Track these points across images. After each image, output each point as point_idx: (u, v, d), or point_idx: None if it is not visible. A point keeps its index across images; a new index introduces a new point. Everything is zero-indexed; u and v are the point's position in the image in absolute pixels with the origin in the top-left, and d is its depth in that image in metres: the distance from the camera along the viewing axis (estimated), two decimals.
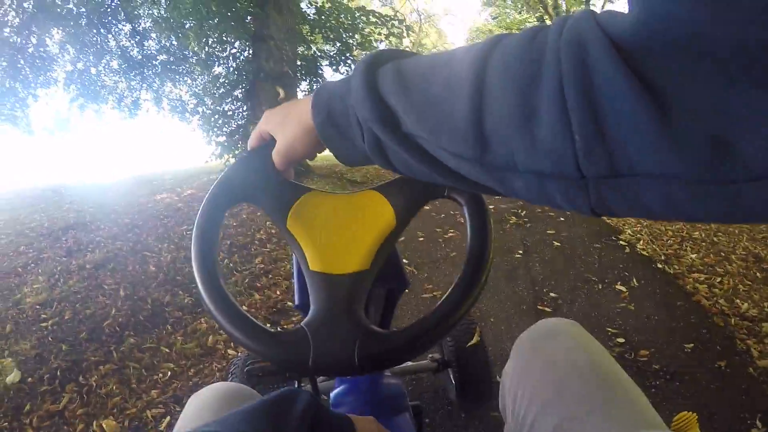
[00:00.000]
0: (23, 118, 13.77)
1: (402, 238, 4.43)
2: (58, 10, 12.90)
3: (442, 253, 4.96)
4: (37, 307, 3.89)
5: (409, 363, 1.51)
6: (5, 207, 9.74)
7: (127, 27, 14.32)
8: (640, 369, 2.65)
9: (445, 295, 0.69)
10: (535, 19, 28.04)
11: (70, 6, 13.23)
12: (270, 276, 4.43)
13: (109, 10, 13.58)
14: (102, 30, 13.85)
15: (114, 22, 13.99)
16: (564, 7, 24.29)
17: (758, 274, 4.31)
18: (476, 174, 0.46)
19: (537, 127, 0.37)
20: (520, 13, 32.18)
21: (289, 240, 0.74)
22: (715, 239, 5.56)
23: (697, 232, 5.85)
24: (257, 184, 0.76)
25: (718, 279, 4.13)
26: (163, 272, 4.50)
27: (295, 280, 0.84)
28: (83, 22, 13.26)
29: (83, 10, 13.11)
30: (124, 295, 3.95)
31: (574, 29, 0.36)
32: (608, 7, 19.31)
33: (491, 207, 7.67)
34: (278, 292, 4.01)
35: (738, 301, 3.64)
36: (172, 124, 13.95)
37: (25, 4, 12.67)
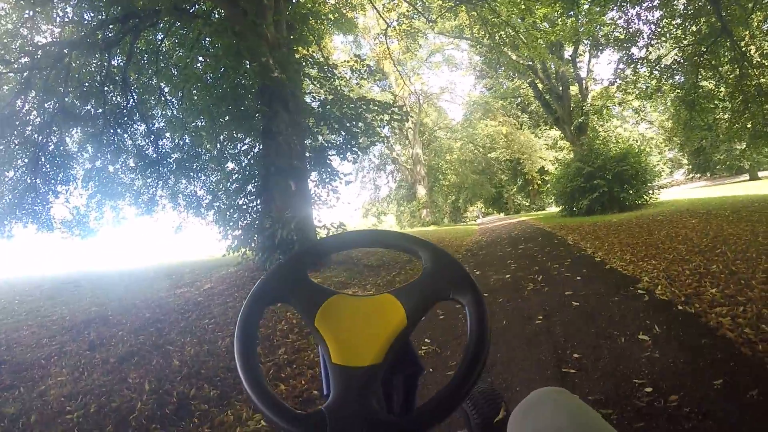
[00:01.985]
0: (43, 213, 14.17)
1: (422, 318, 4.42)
2: (77, 111, 13.69)
3: (463, 329, 4.90)
4: (62, 399, 3.84)
5: None
6: (26, 299, 9.80)
7: (142, 127, 15.10)
8: (671, 415, 2.58)
9: (446, 385, 0.74)
10: (527, 85, 28.76)
11: (89, 107, 14.06)
12: (294, 366, 4.40)
13: (125, 111, 14.37)
14: (118, 130, 14.57)
15: (129, 122, 14.77)
16: (553, 70, 24.93)
17: None
18: None
19: None
20: (512, 81, 33.03)
21: (315, 336, 0.82)
22: (733, 268, 5.51)
23: (715, 265, 5.80)
24: (291, 288, 0.88)
25: (741, 308, 4.07)
26: (187, 366, 4.46)
27: (322, 371, 0.89)
28: (101, 123, 13.95)
29: (100, 111, 13.86)
30: (149, 389, 3.89)
31: None
32: (593, 65, 19.54)
33: (507, 275, 7.67)
34: (303, 382, 3.97)
35: (763, 326, 3.57)
36: (188, 219, 14.03)
37: (47, 105, 13.41)
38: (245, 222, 11.52)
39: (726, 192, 20.05)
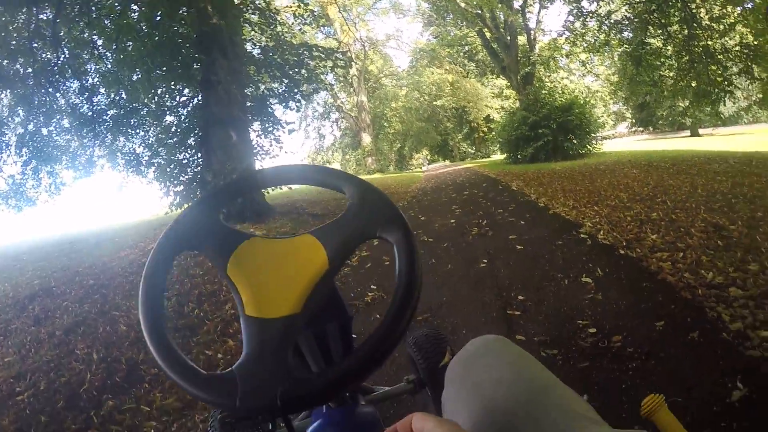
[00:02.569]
0: None
1: (368, 265, 4.34)
2: (5, 72, 12.81)
3: None
4: (11, 380, 3.68)
5: (385, 387, 1.46)
6: None
7: (75, 84, 14.02)
8: (615, 354, 2.61)
9: (369, 335, 0.68)
10: (474, 33, 28.54)
11: (17, 67, 13.15)
12: None
13: (56, 68, 13.31)
14: (50, 89, 13.59)
15: (62, 80, 13.70)
16: (502, 19, 24.75)
17: (719, 242, 4.34)
18: None
19: None
20: (460, 29, 32.76)
21: (230, 286, 0.76)
22: (673, 216, 5.61)
23: (655, 213, 5.91)
24: (200, 233, 0.81)
25: (681, 254, 4.14)
26: (134, 330, 4.32)
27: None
28: (31, 83, 13.03)
29: (30, 70, 12.92)
30: (98, 358, 3.76)
31: None
32: (543, 15, 19.50)
33: (452, 221, 7.68)
34: None
35: (703, 271, 3.64)
36: (129, 178, 13.56)
37: None
38: (186, 177, 11.23)
39: (667, 146, 20.59)
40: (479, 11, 24.05)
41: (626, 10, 16.59)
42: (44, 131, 13.99)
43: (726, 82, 14.28)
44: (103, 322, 4.75)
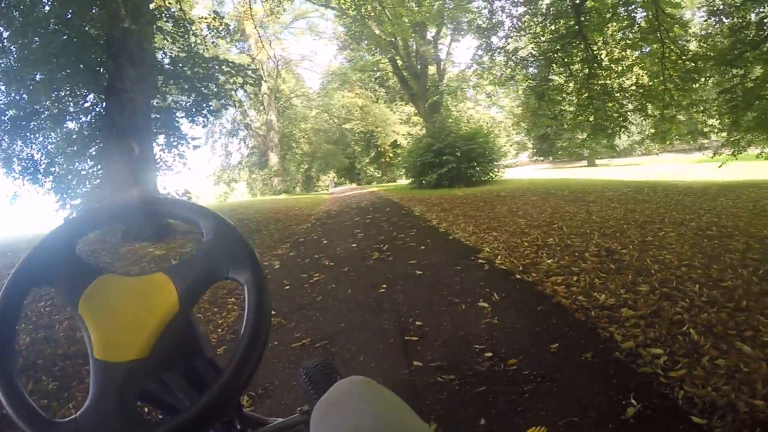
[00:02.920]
0: None
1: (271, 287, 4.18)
2: None
3: (308, 299, 4.74)
4: None
5: (279, 419, 1.36)
6: None
7: None
8: (510, 378, 2.58)
9: (212, 384, 0.64)
10: (386, 60, 28.92)
11: None
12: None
13: None
14: None
15: None
16: (414, 48, 25.21)
17: (611, 265, 4.47)
18: None
19: None
20: (373, 55, 33.13)
21: (80, 325, 0.70)
22: (568, 241, 5.76)
23: (552, 238, 6.05)
24: (54, 266, 0.75)
25: (575, 278, 4.23)
26: (22, 356, 3.92)
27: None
28: None
29: None
30: None
31: None
32: (453, 48, 20.01)
33: (354, 244, 7.60)
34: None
35: (595, 294, 3.74)
36: (24, 187, 12.70)
37: None
38: (85, 189, 10.61)
39: (565, 175, 21.54)
40: (393, 39, 24.49)
41: (532, 48, 17.26)
42: None
43: (621, 118, 15.07)
44: None
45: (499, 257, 5.41)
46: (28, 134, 12.58)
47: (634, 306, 3.40)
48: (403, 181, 29.95)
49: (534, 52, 17.01)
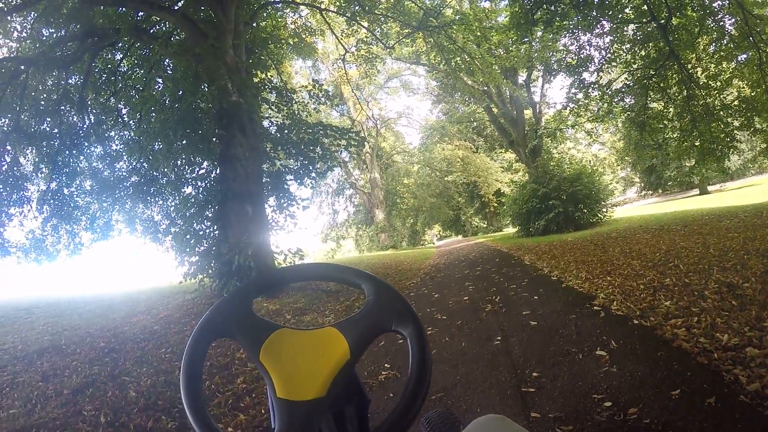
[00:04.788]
0: None
1: (382, 343, 4.31)
2: (33, 130, 13.24)
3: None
4: None
5: None
6: None
7: (99, 149, 14.65)
8: (631, 428, 2.56)
9: (383, 421, 0.76)
10: (482, 109, 29.10)
11: (44, 126, 13.62)
12: (254, 395, 4.25)
13: (81, 132, 13.90)
14: (74, 151, 14.08)
15: (86, 143, 14.27)
16: (508, 94, 25.29)
17: (734, 302, 4.31)
18: None
19: None
20: (468, 105, 33.40)
21: (261, 370, 0.83)
22: (686, 280, 5.58)
23: (668, 279, 5.87)
24: (235, 322, 0.89)
25: (695, 319, 4.11)
26: (144, 397, 4.26)
27: (269, 406, 0.89)
28: (56, 143, 13.50)
29: (56, 131, 13.44)
30: (105, 422, 3.68)
31: None
32: (547, 89, 19.97)
33: (466, 297, 7.63)
34: (263, 411, 3.83)
35: (718, 334, 3.61)
36: (146, 244, 13.66)
37: (0, 122, 12.96)
38: (202, 248, 11.25)
39: (677, 207, 20.55)
40: (486, 88, 24.70)
41: (626, 78, 16.91)
42: (66, 191, 14.45)
43: (729, 138, 14.44)
44: (113, 386, 4.70)
45: (614, 303, 5.30)
46: (149, 198, 13.86)
47: (759, 344, 3.26)
48: (510, 230, 29.59)
49: (628, 82, 16.64)
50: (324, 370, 0.81)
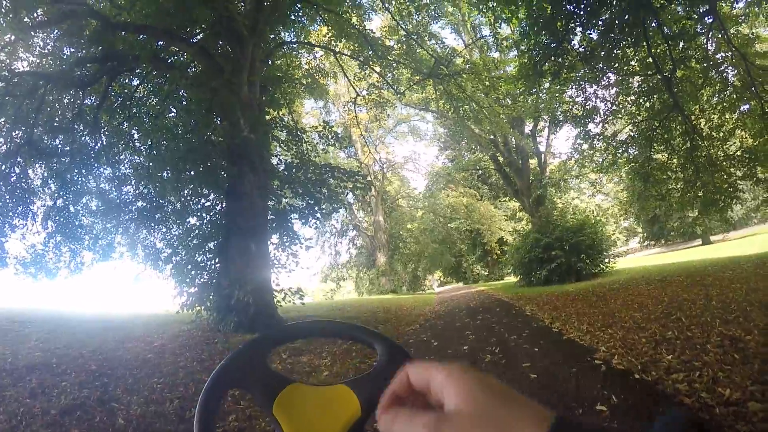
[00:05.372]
0: None
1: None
2: (45, 145, 13.44)
3: None
4: None
5: None
6: None
7: (108, 170, 14.77)
8: None
9: None
10: (488, 158, 29.17)
11: (57, 143, 13.83)
12: None
13: (92, 152, 14.07)
14: (84, 170, 14.22)
15: (96, 164, 14.42)
16: (513, 143, 25.47)
17: (736, 355, 4.26)
18: None
19: None
20: (474, 153, 33.58)
21: (273, 424, 0.83)
22: (688, 333, 5.53)
23: (670, 332, 5.81)
24: (249, 374, 0.90)
25: (697, 373, 4.05)
26: (132, 427, 4.20)
27: None
28: (67, 160, 13.62)
29: (68, 148, 13.57)
30: None
31: None
32: (552, 139, 20.09)
33: (465, 347, 7.55)
34: None
35: (719, 389, 3.56)
36: (146, 270, 13.71)
37: (14, 134, 13.20)
38: (202, 280, 11.34)
39: (680, 258, 20.54)
40: (492, 136, 24.91)
41: (630, 129, 17.09)
42: (71, 208, 14.51)
43: (731, 188, 14.62)
44: (102, 411, 4.63)
45: (615, 356, 5.23)
46: (152, 224, 14.04)
47: (761, 398, 3.22)
48: (511, 279, 29.41)
49: (632, 133, 16.79)
50: (335, 428, 0.82)
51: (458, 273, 49.48)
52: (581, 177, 25.19)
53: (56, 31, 12.60)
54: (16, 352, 7.37)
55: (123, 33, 11.36)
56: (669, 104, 14.00)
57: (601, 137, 17.56)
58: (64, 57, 13.34)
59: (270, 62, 14.31)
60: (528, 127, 25.92)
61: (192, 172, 11.16)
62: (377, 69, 18.50)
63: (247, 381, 0.89)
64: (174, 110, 14.12)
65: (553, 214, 22.88)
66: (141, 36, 11.51)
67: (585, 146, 18.23)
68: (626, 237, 54.21)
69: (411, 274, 44.95)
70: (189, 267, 11.43)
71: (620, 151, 17.51)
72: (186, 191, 12.04)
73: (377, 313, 15.23)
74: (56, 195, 14.24)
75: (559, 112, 19.50)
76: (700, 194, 15.43)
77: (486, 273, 46.40)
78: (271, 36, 13.68)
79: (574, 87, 16.28)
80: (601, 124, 17.49)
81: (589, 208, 36.62)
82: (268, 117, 12.88)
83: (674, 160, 16.49)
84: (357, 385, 0.86)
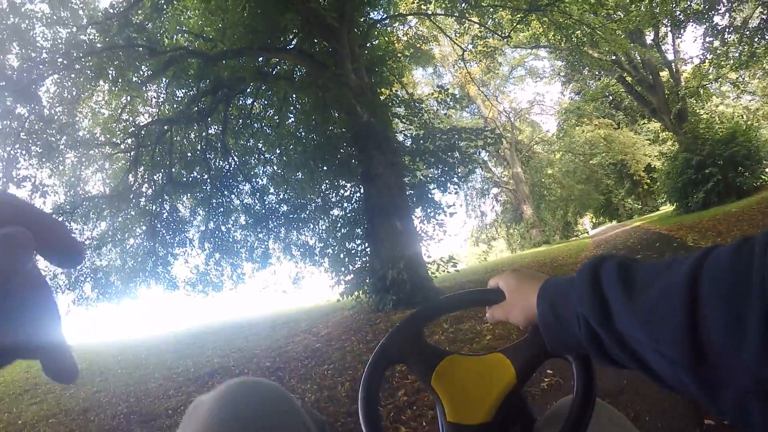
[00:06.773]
0: (164, 274, 15.33)
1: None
2: (184, 179, 14.87)
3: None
4: None
5: None
6: (152, 352, 10.41)
7: (247, 186, 16.05)
8: None
9: None
10: (615, 81, 27.54)
11: (194, 175, 15.22)
12: (415, 408, 4.31)
13: (228, 174, 15.37)
14: (225, 192, 15.66)
15: (234, 183, 15.77)
16: (638, 59, 23.90)
17: None
18: (687, 381, 0.49)
19: (747, 351, 0.41)
20: (599, 80, 31.81)
21: (432, 395, 0.90)
22: None
23: None
24: (408, 350, 0.96)
25: None
26: (307, 411, 4.38)
27: (440, 428, 0.95)
28: (207, 187, 15.11)
29: (206, 176, 14.98)
30: None
31: None
32: (679, 44, 18.45)
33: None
34: (424, 423, 3.90)
35: None
36: (306, 269, 14.63)
37: (155, 177, 14.73)
38: (356, 266, 11.80)
39: None
40: (614, 57, 23.40)
41: (761, 12, 15.49)
42: (223, 228, 16.01)
43: None
44: None
45: None
46: (300, 224, 14.93)
47: None
48: (667, 208, 27.63)
49: (765, 16, 15.17)
50: (492, 396, 0.86)
51: (609, 211, 47.26)
52: (721, 79, 23.07)
53: (164, 80, 13.67)
54: (197, 362, 8.23)
55: (224, 62, 11.98)
56: None
57: (731, 29, 16.01)
58: (179, 99, 14.59)
59: (369, 45, 14.42)
60: (649, 37, 23.95)
61: (324, 168, 11.76)
62: (475, 19, 17.96)
63: (406, 357, 0.95)
64: (292, 116, 14.82)
65: (699, 128, 20.97)
66: (240, 59, 12.06)
67: (716, 43, 16.72)
68: None
69: (561, 221, 43.52)
70: (342, 256, 11.97)
71: (756, 39, 15.89)
72: (322, 186, 12.78)
73: (532, 268, 15.01)
74: (207, 219, 15.73)
75: (677, 12, 17.94)
76: None
77: (639, 206, 43.78)
78: (361, 19, 13.70)
79: None
80: (727, 14, 15.94)
81: (737, 113, 33.64)
82: (382, 97, 13.04)
83: None
84: (512, 353, 0.90)
